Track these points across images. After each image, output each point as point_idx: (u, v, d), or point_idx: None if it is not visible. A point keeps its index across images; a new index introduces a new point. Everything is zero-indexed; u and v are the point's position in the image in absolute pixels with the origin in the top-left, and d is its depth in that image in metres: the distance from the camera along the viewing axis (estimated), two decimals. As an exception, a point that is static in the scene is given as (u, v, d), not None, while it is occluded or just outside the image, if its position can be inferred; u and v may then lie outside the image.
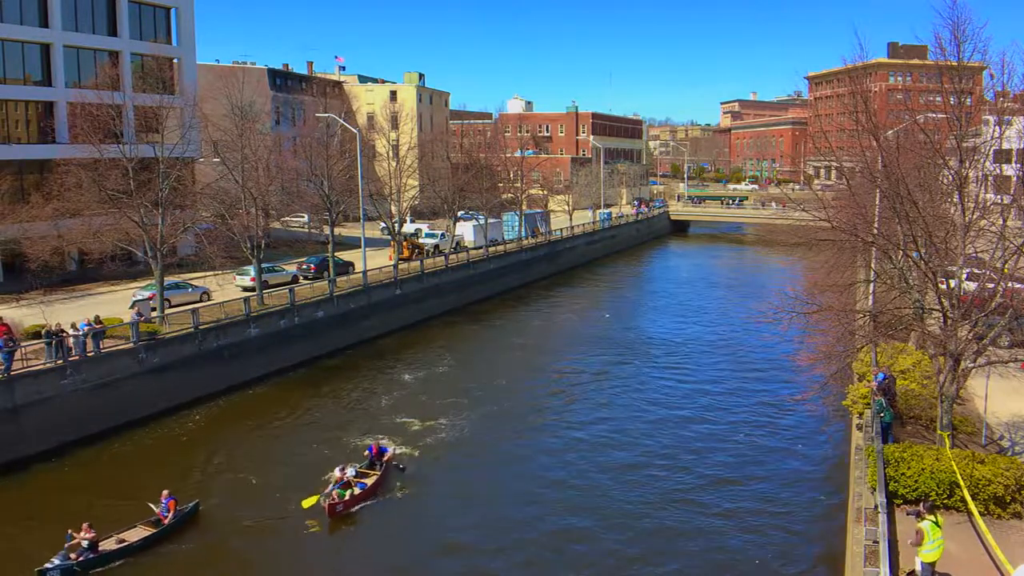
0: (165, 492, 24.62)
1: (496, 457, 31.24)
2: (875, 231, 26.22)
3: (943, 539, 15.35)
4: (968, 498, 17.66)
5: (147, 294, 41.01)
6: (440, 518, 26.00)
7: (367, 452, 28.93)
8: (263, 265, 45.70)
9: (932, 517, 15.32)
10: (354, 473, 27.31)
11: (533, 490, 27.89)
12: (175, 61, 61.04)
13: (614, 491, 27.56)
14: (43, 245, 41.12)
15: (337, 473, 26.75)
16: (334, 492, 25.89)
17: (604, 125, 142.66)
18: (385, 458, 28.94)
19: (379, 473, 28.02)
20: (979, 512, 17.55)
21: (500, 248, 69.01)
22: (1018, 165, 23.96)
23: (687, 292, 68.61)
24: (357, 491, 26.43)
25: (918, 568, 15.41)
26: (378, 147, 75.66)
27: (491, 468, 30.21)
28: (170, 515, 24.23)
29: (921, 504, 16.15)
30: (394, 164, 61.31)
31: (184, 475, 28.88)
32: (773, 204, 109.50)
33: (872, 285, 31.32)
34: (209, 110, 47.41)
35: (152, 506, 24.62)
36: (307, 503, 25.69)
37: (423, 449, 31.24)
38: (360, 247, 53.62)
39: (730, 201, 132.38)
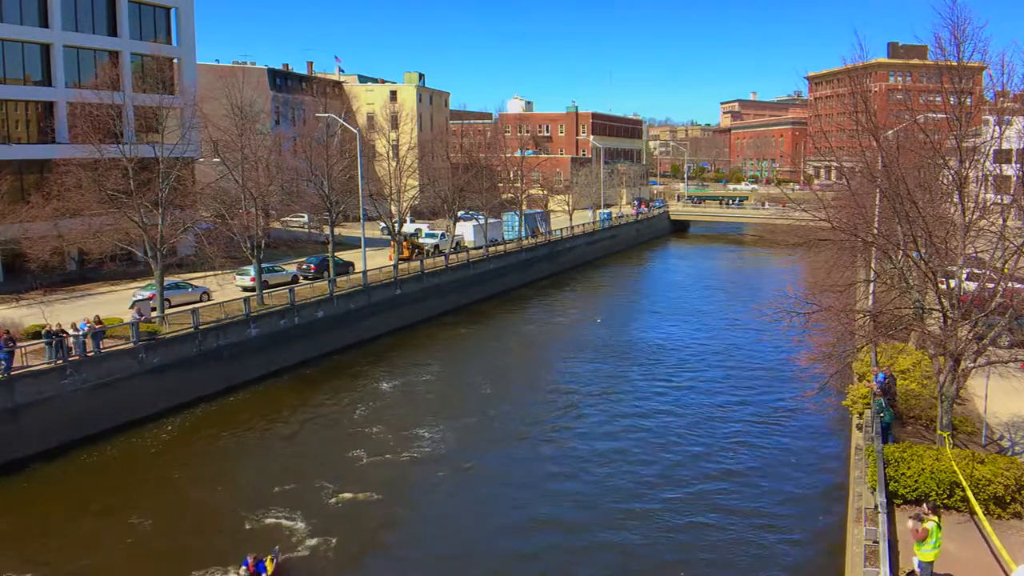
0: None
1: (461, 508, 26.39)
2: (875, 231, 26.24)
3: (941, 540, 15.35)
4: (972, 498, 17.65)
5: (147, 294, 41.01)
6: None
7: (242, 568, 21.04)
8: (263, 265, 45.70)
9: (935, 518, 15.35)
10: None
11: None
12: (175, 61, 61.02)
13: (610, 491, 27.54)
14: (43, 245, 41.13)
15: None
16: None
17: (604, 125, 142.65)
18: None
19: None
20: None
21: (500, 248, 68.99)
22: (1018, 165, 23.96)
23: (687, 293, 68.58)
24: None
25: (916, 568, 15.43)
26: (378, 147, 75.66)
27: (451, 532, 24.93)
28: None
29: (924, 505, 16.16)
30: (394, 164, 61.31)
31: (108, 509, 25.95)
32: (765, 204, 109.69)
33: (872, 285, 31.33)
34: (209, 110, 47.38)
35: None
36: None
37: (377, 490, 27.23)
38: (360, 247, 53.63)
39: (730, 201, 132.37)
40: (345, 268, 53.84)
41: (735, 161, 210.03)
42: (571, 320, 57.82)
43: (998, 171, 26.97)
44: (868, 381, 24.94)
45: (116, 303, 42.86)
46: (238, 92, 47.81)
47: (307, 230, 75.13)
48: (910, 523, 15.54)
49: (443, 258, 59.83)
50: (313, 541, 23.89)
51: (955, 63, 21.22)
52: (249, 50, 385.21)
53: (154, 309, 39.00)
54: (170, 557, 23.09)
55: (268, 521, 24.96)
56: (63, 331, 32.18)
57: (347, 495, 26.87)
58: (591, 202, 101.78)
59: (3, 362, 29.66)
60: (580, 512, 26.10)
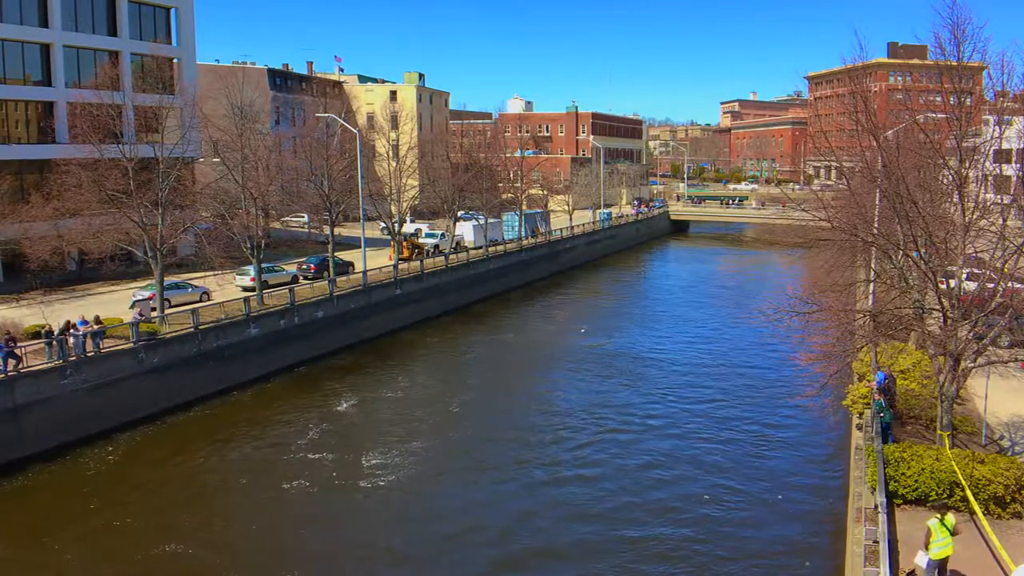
0: None
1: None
2: (875, 231, 26.23)
3: (951, 538, 15.27)
4: (971, 498, 17.65)
5: (147, 294, 41.02)
6: None
7: None
8: (263, 265, 45.70)
9: (937, 516, 15.34)
10: None
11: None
12: (175, 61, 61.03)
13: (607, 489, 27.51)
14: (43, 245, 41.16)
15: None
16: None
17: (604, 125, 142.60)
18: None
19: None
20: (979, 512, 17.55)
21: (500, 248, 68.97)
22: (1018, 165, 23.98)
23: (687, 292, 68.59)
24: None
25: (922, 565, 15.37)
26: (378, 147, 75.64)
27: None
28: None
29: (930, 504, 16.15)
30: (394, 164, 61.31)
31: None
32: (754, 203, 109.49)
33: (872, 285, 31.34)
34: (209, 110, 47.40)
35: None
36: None
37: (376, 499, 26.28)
38: (360, 247, 53.63)
39: (730, 201, 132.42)
40: (345, 268, 53.84)
41: (735, 161, 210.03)
42: (567, 324, 57.63)
43: (998, 171, 26.99)
44: (868, 381, 24.94)
45: (116, 303, 42.83)
46: (238, 92, 47.87)
47: (307, 230, 75.12)
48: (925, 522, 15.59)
49: (443, 258, 59.83)
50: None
51: (955, 63, 21.22)
52: (249, 50, 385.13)
53: (154, 309, 39.00)
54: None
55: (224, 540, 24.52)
56: (64, 330, 32.14)
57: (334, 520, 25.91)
58: (591, 202, 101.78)
59: (12, 360, 29.73)
60: (571, 509, 26.05)
